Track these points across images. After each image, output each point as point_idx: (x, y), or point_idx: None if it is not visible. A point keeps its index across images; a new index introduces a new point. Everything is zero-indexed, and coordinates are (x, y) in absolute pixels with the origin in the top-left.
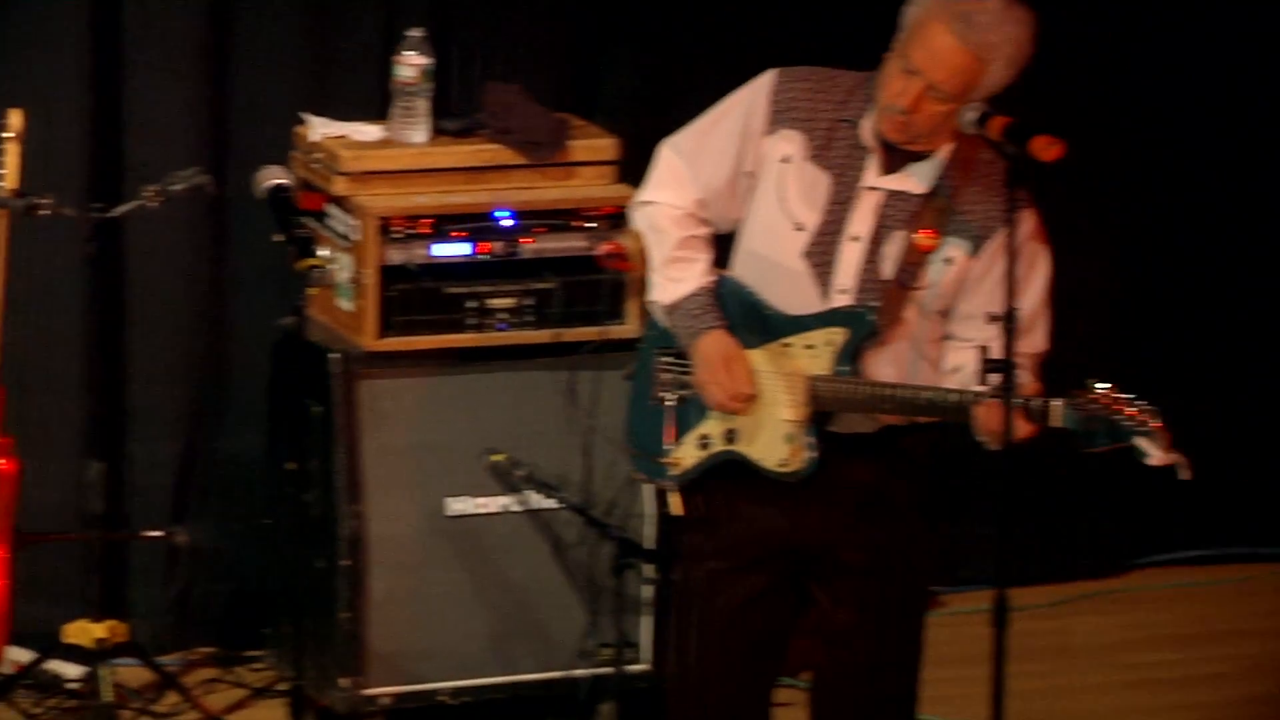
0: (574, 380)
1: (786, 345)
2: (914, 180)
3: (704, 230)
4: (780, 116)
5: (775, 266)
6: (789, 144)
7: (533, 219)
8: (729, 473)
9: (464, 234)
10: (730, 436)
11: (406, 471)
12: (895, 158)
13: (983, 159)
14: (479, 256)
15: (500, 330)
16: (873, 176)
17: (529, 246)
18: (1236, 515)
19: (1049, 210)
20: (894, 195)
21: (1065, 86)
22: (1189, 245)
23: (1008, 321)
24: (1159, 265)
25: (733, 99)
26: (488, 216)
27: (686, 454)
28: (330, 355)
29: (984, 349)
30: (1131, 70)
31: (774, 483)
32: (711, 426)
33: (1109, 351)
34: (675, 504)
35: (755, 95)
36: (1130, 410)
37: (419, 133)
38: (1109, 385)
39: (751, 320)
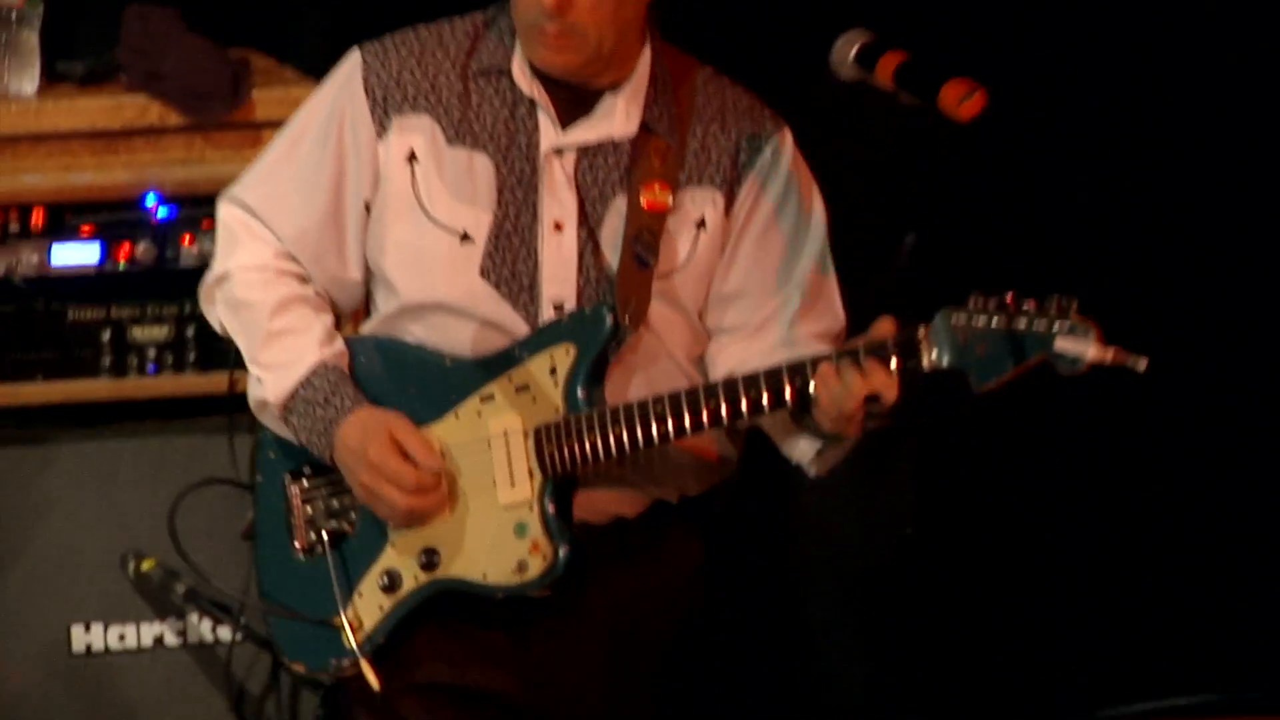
0: (255, 447)
1: (487, 399)
2: (612, 121)
3: (307, 289)
4: (388, 105)
5: (442, 308)
6: (412, 134)
7: (197, 208)
8: (437, 610)
9: (94, 230)
10: (429, 561)
11: (16, 587)
12: (574, 100)
13: (704, 72)
14: (118, 265)
15: (150, 374)
16: (552, 135)
17: (192, 251)
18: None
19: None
20: (590, 151)
21: None
22: None
23: (905, 252)
24: None
25: (310, 107)
26: (132, 205)
27: (367, 609)
28: None
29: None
30: None
31: (502, 615)
32: (396, 556)
33: None
34: (371, 678)
35: (341, 92)
36: (1036, 308)
37: (26, 80)
38: (994, 293)
39: (422, 384)
